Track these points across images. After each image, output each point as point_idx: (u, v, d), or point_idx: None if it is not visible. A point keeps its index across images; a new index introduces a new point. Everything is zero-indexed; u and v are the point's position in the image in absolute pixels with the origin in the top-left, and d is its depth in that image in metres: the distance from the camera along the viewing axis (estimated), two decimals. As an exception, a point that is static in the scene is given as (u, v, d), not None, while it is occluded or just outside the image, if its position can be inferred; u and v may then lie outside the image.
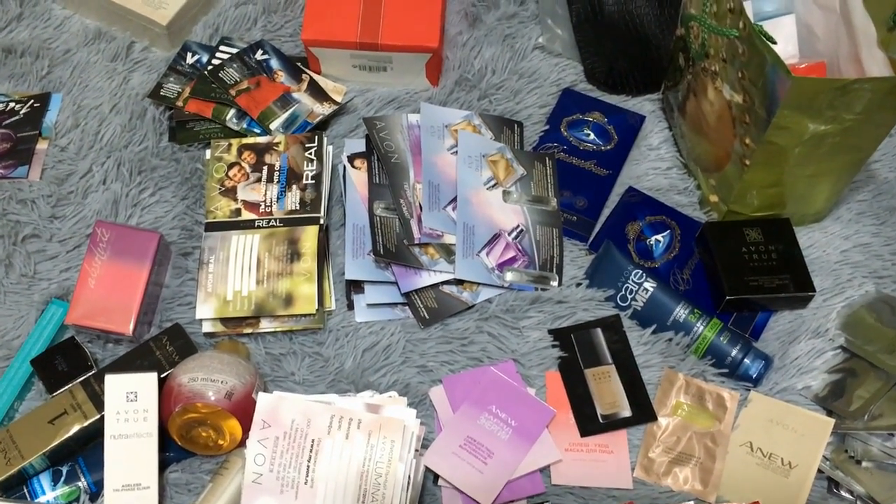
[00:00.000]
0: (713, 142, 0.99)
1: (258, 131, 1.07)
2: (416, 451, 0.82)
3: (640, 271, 0.97)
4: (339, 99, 1.12)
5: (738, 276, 0.96)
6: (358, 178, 1.02)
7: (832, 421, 0.90)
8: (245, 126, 1.08)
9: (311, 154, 1.01)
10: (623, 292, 0.97)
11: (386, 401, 0.79)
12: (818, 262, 1.01)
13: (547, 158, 1.07)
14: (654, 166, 1.08)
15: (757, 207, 0.99)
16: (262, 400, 0.77)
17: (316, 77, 1.13)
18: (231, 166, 1.02)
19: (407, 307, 0.97)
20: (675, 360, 0.95)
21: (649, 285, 0.96)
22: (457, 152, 1.03)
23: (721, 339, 0.94)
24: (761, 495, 0.84)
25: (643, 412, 0.92)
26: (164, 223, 1.03)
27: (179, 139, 1.09)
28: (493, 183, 1.03)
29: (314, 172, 1.00)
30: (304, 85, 1.12)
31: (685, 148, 1.08)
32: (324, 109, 1.10)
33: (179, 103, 1.09)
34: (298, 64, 1.14)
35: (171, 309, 0.98)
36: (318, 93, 1.12)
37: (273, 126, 1.07)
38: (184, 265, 1.00)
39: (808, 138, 0.88)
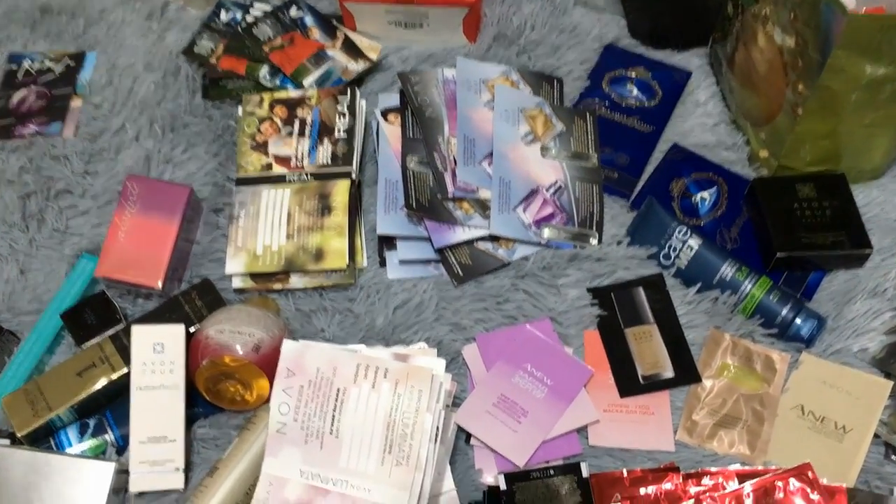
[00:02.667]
0: (763, 92, 0.94)
1: (291, 88, 1.05)
2: (447, 406, 0.79)
3: (685, 228, 0.93)
4: (374, 57, 1.09)
5: (790, 232, 0.91)
6: (391, 133, 0.99)
7: (890, 383, 0.84)
8: (278, 83, 1.06)
9: (343, 108, 0.99)
10: (666, 250, 0.93)
11: (415, 352, 0.76)
12: (876, 220, 0.95)
13: (588, 114, 1.03)
14: (701, 122, 1.04)
15: (810, 162, 0.94)
16: (287, 347, 0.75)
17: (351, 34, 1.11)
18: (263, 121, 1.00)
19: (440, 264, 0.94)
20: (721, 320, 0.90)
21: (694, 242, 0.92)
22: (493, 107, 1.00)
23: (770, 297, 0.89)
24: (813, 459, 0.79)
25: (686, 373, 0.87)
26: (196, 179, 1.01)
27: (212, 96, 1.07)
28: (531, 138, 0.99)
29: (347, 126, 0.98)
30: (339, 42, 1.10)
31: (733, 102, 1.03)
32: (358, 66, 1.07)
33: (213, 60, 1.07)
34: (333, 21, 1.12)
35: (202, 265, 0.96)
36: (352, 50, 1.09)
37: (306, 83, 1.05)
38: (215, 221, 0.99)
39: (865, 83, 0.83)
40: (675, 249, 0.92)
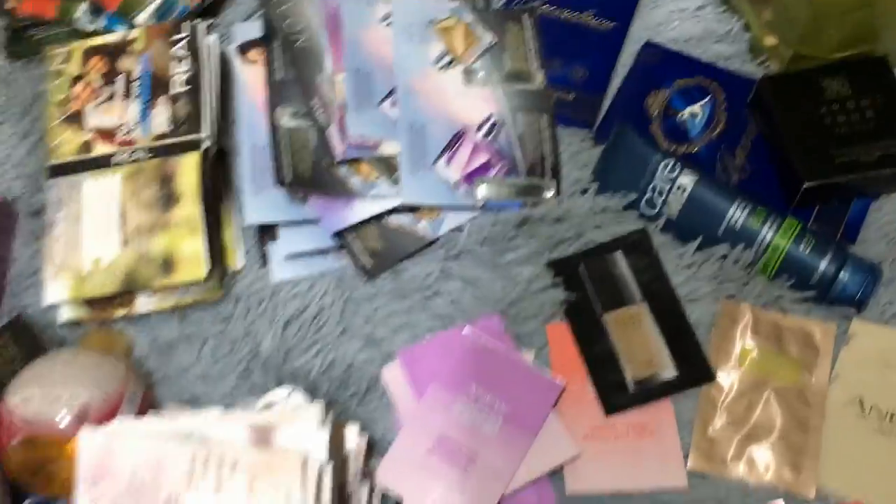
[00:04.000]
0: (764, -46, 0.66)
1: (119, 31, 0.77)
2: (361, 472, 0.55)
3: (672, 161, 0.66)
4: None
5: (820, 150, 0.64)
6: (253, 77, 0.71)
7: (984, 355, 0.60)
8: (103, 26, 0.77)
9: (181, 50, 0.71)
10: (650, 195, 0.67)
11: (282, 417, 0.51)
12: (934, 115, 0.69)
13: (525, 15, 0.75)
14: (679, 7, 0.76)
15: (837, 45, 0.67)
16: (86, 443, 0.50)
17: (198, -55, 0.82)
18: (75, 81, 0.72)
19: (342, 252, 0.68)
20: (736, 287, 0.65)
21: (686, 180, 0.66)
22: (392, 22, 0.72)
23: (801, 247, 0.63)
24: (890, 480, 0.56)
25: (694, 369, 0.62)
26: (2, 172, 0.74)
27: (16, 53, 0.79)
28: (447, 60, 0.71)
29: (188, 75, 0.70)
30: (183, -43, 0.81)
31: (722, -26, 0.75)
32: (211, -12, 0.79)
33: (11, 3, 0.79)
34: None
35: (23, 293, 0.70)
36: (202, -34, 0.80)
37: (140, 20, 0.76)
38: (34, 228, 0.72)
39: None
40: (661, 193, 0.66)
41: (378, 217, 0.68)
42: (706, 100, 0.71)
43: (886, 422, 0.59)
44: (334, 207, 0.67)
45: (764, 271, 0.64)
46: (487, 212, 0.68)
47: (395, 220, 0.68)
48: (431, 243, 0.68)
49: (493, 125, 0.70)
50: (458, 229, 0.68)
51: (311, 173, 0.67)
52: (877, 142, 0.64)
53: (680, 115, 0.71)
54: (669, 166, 0.66)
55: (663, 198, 0.66)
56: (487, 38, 0.73)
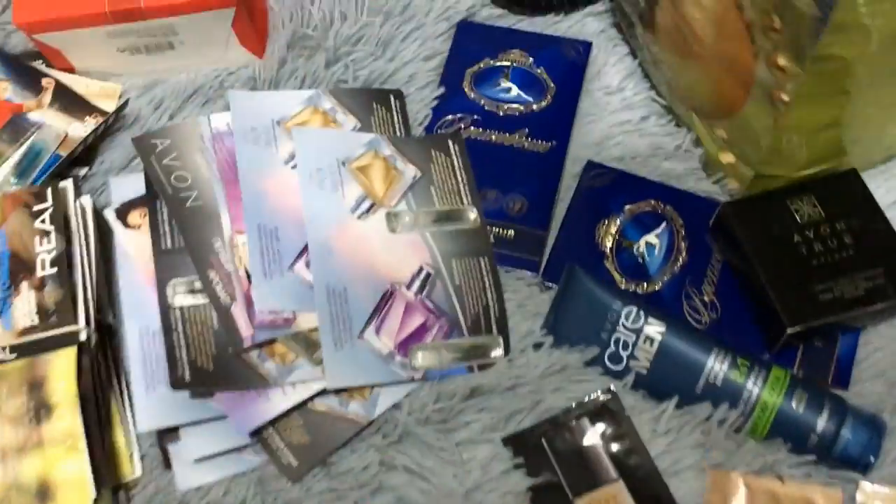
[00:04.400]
0: (714, 70, 0.59)
1: (-27, 191, 0.64)
2: None
3: (635, 308, 0.58)
4: (109, 107, 0.69)
5: (799, 287, 0.57)
6: (136, 246, 0.60)
7: None
8: (-47, 186, 0.65)
9: (44, 222, 0.59)
10: (613, 348, 0.58)
11: None
12: (912, 228, 0.62)
13: (450, 142, 0.66)
14: (621, 120, 0.68)
15: (804, 163, 0.60)
16: None
17: (66, 78, 0.70)
18: (-85, 269, 0.60)
19: (261, 447, 0.57)
20: (722, 453, 0.56)
21: (654, 330, 0.57)
22: (297, 166, 0.62)
23: (794, 403, 0.55)
24: None
25: (688, 559, 0.53)
26: None
27: None
28: (367, 205, 0.62)
29: (54, 254, 0.58)
30: (48, 95, 0.69)
31: (663, 82, 0.67)
32: (85, 129, 0.68)
33: None
34: (34, 64, 0.71)
35: None
36: (73, 103, 0.69)
37: (-1, 177, 0.65)
38: None
39: (892, 36, 0.48)
40: (626, 346, 0.57)
41: (301, 404, 0.57)
42: (662, 227, 0.63)
43: None
44: (246, 401, 0.56)
45: (753, 433, 0.56)
46: (428, 383, 0.58)
47: (321, 405, 0.57)
48: (366, 427, 0.58)
49: (426, 278, 0.60)
50: (397, 407, 0.58)
51: (213, 366, 0.55)
52: (860, 272, 0.57)
53: (635, 246, 0.63)
54: (633, 314, 0.57)
55: (629, 351, 0.57)
56: (410, 172, 0.64)
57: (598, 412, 0.57)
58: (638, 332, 0.57)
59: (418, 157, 0.64)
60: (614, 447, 0.56)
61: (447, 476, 0.56)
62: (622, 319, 0.58)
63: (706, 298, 0.61)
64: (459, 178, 0.64)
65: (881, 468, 0.55)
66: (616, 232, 0.63)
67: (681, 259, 0.62)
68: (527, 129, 0.67)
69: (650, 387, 0.57)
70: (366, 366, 0.57)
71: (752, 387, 0.55)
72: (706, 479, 0.55)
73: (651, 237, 0.63)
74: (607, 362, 0.58)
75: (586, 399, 0.58)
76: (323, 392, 0.57)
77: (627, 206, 0.64)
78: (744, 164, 0.61)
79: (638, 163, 0.66)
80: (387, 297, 0.59)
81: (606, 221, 0.63)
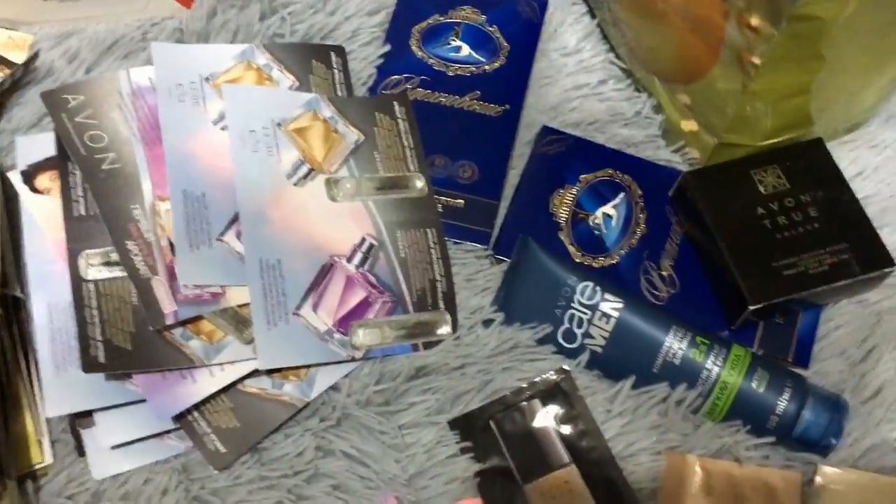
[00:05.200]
0: (679, 30, 0.55)
1: None
2: None
3: (591, 284, 0.54)
4: (18, 58, 0.63)
5: (762, 262, 0.54)
6: (45, 213, 0.54)
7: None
8: None
9: (-59, 184, 0.53)
10: (567, 325, 0.54)
11: None
12: (877, 199, 0.60)
13: (396, 104, 0.61)
14: (578, 83, 0.64)
15: (769, 132, 0.57)
16: None
17: (-30, 26, 0.64)
18: None
19: (185, 433, 0.52)
20: (679, 435, 0.53)
21: (610, 307, 0.54)
22: (227, 127, 0.57)
23: (754, 382, 0.52)
24: None
25: (642, 548, 0.50)
26: None
27: None
28: (305, 171, 0.57)
29: (-47, 219, 0.52)
30: (-51, 45, 0.63)
31: (623, 43, 0.63)
32: (-9, 83, 0.61)
33: None
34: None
35: None
36: (-22, 54, 0.62)
37: None
38: None
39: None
40: (581, 323, 0.54)
41: (230, 386, 0.52)
42: (620, 197, 0.60)
43: None
44: (168, 384, 0.51)
45: (711, 415, 0.53)
46: (369, 363, 0.54)
47: (252, 386, 0.53)
48: (302, 410, 0.53)
49: (369, 250, 0.56)
50: (335, 388, 0.54)
51: (131, 345, 0.50)
52: (825, 246, 0.54)
53: (592, 218, 0.59)
54: (588, 290, 0.54)
55: (584, 329, 0.54)
56: (352, 136, 0.59)
57: (550, 393, 0.54)
58: (594, 308, 0.54)
59: (361, 120, 0.60)
60: (567, 430, 0.53)
61: (388, 461, 0.52)
62: (577, 295, 0.54)
63: (664, 273, 0.58)
64: (405, 144, 0.60)
65: (840, 450, 0.53)
66: (571, 202, 0.59)
67: (639, 231, 0.59)
68: (478, 92, 0.62)
69: (605, 366, 0.54)
70: (301, 345, 0.53)
71: (712, 366, 0.52)
72: (661, 462, 0.53)
73: (608, 208, 0.59)
74: (561, 340, 0.55)
75: (538, 379, 0.54)
76: (254, 373, 0.52)
77: (584, 175, 0.60)
78: (707, 132, 0.58)
79: (595, 129, 0.63)
80: (325, 271, 0.55)
81: (561, 191, 0.60)
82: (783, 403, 0.52)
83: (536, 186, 0.60)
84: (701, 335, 0.53)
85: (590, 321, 0.54)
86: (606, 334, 0.54)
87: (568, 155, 0.61)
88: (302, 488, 0.52)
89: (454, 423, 0.53)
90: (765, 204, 0.55)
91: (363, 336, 0.54)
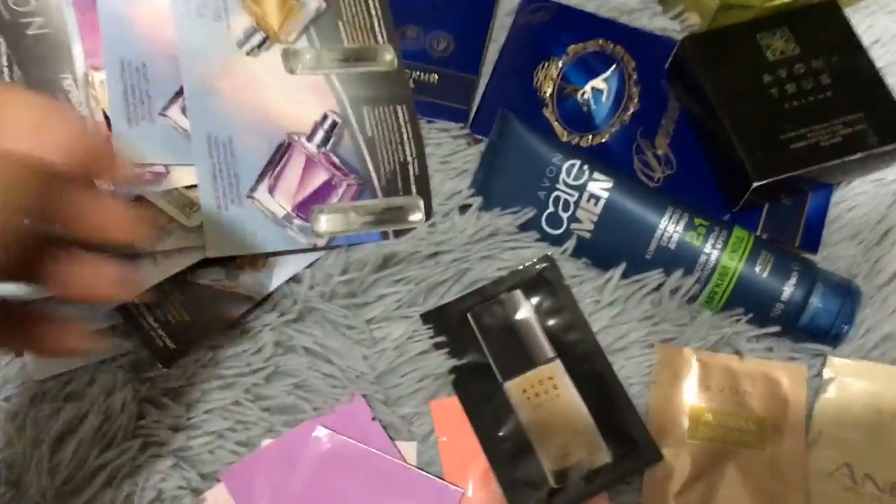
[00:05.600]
0: None
1: None
2: None
3: (578, 162, 0.49)
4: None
5: (768, 134, 0.48)
6: (-34, 85, 0.49)
7: None
8: None
9: None
10: (552, 209, 0.49)
11: None
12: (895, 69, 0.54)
13: (361, -32, 0.54)
14: (565, -54, 0.58)
15: (778, -11, 0.51)
16: None
17: None
18: None
19: (128, 332, 0.48)
20: (675, 328, 0.49)
21: (599, 187, 0.48)
22: (171, -11, 0.50)
23: (757, 268, 0.47)
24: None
25: (633, 448, 0.46)
26: None
27: None
28: (258, 39, 0.51)
29: None
30: None
31: None
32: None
33: None
34: None
35: None
36: None
37: None
38: None
39: None
40: (567, 206, 0.49)
41: (178, 275, 0.47)
42: (611, 70, 0.54)
43: (888, 494, 0.45)
44: (108, 272, 0.46)
45: (710, 304, 0.48)
46: (334, 252, 0.49)
47: (205, 277, 0.48)
48: (260, 304, 0.48)
49: (332, 127, 0.50)
50: (296, 279, 0.49)
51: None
52: (838, 117, 0.49)
53: (580, 92, 0.53)
54: (575, 169, 0.49)
55: (570, 212, 0.49)
56: (313, 3, 0.53)
57: (532, 283, 0.49)
58: (581, 189, 0.48)
59: None
60: (551, 322, 0.48)
61: (355, 358, 0.48)
62: (563, 175, 0.49)
63: (660, 152, 0.52)
64: (373, 12, 0.53)
65: (851, 340, 0.48)
66: (557, 76, 0.53)
67: (632, 107, 0.53)
68: (454, -45, 0.56)
69: (594, 253, 0.49)
70: (256, 231, 0.48)
71: (711, 250, 0.47)
72: (654, 355, 0.48)
73: (598, 82, 0.53)
74: (545, 225, 0.49)
75: (520, 268, 0.49)
76: (206, 262, 0.47)
77: (571, 46, 0.54)
78: (708, -8, 0.52)
79: (584, -4, 0.56)
80: (283, 150, 0.49)
81: (546, 64, 0.54)
82: (789, 290, 0.47)
83: (519, 59, 0.54)
84: (699, 216, 0.48)
85: (577, 203, 0.49)
86: (595, 217, 0.48)
87: (554, 24, 0.54)
88: (261, 387, 0.47)
89: (427, 317, 0.49)
90: (772, 71, 0.50)
91: (326, 222, 0.49)
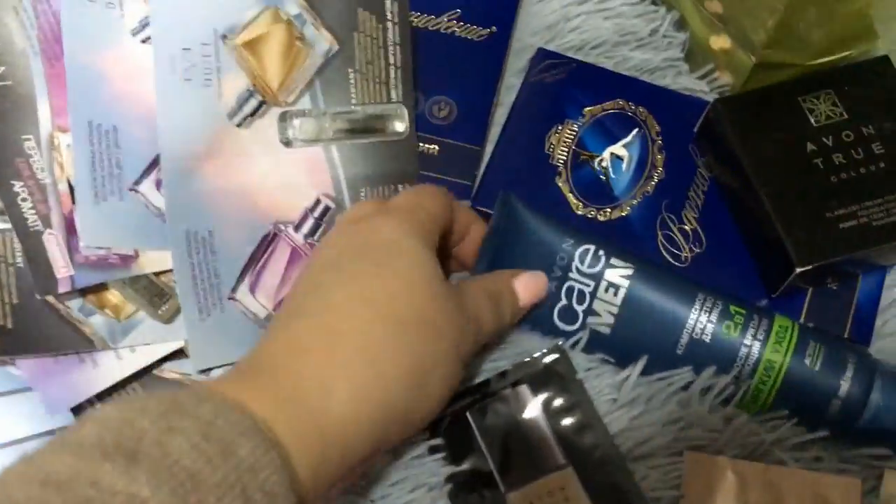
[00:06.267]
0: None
1: None
2: None
3: (591, 248, 0.43)
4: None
5: (813, 212, 0.42)
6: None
7: None
8: None
9: None
10: (565, 301, 0.43)
11: None
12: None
13: (391, 5, 0.49)
14: (581, -4, 0.53)
15: (822, 48, 0.45)
16: None
17: None
18: None
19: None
20: (705, 431, 0.42)
21: (619, 275, 0.42)
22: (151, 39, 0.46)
23: (807, 359, 0.41)
24: None
25: (658, 575, 0.40)
26: None
27: None
28: (253, 107, 0.46)
29: None
30: None
31: (638, -53, 0.51)
32: None
33: None
34: None
35: None
36: None
37: None
38: None
39: None
40: (582, 298, 0.43)
41: (147, 369, 0.42)
42: (633, 135, 0.48)
43: None
44: (62, 368, 0.41)
45: (754, 403, 0.42)
46: (320, 341, 0.44)
47: (172, 371, 0.43)
48: (235, 400, 0.43)
49: (323, 214, 0.45)
50: (277, 373, 0.44)
51: (13, 321, 0.40)
52: (893, 192, 0.43)
53: (598, 160, 0.48)
54: (590, 256, 0.43)
55: (586, 304, 0.43)
56: (323, 45, 0.47)
57: (541, 377, 0.43)
58: (597, 278, 0.43)
59: (339, 21, 0.47)
60: (562, 423, 0.42)
61: (342, 464, 0.42)
62: (576, 262, 0.43)
63: (687, 227, 0.46)
64: (392, 59, 0.48)
65: (915, 449, 0.41)
66: (572, 141, 0.48)
67: (656, 176, 0.47)
68: (458, 11, 0.51)
69: (616, 350, 0.43)
70: (238, 336, 0.43)
71: (752, 342, 0.41)
72: (683, 465, 0.42)
73: (618, 148, 0.48)
74: (557, 321, 0.44)
75: (527, 359, 0.43)
76: (175, 354, 0.42)
77: (588, 108, 0.49)
78: (742, 49, 0.46)
79: (601, 53, 0.51)
80: (267, 242, 0.44)
81: (560, 127, 0.48)
82: (846, 384, 0.41)
83: (529, 122, 0.49)
84: (735, 304, 0.42)
85: (593, 294, 0.43)
86: (615, 310, 0.43)
87: (569, 83, 0.49)
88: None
89: (424, 416, 0.43)
90: (816, 138, 0.44)
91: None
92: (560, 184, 0.47)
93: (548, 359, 0.43)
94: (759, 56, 0.45)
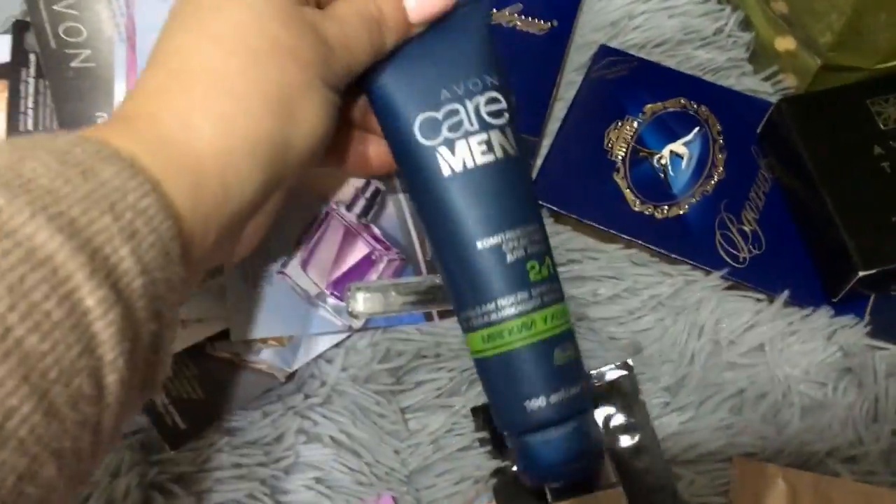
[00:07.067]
0: None
1: None
2: None
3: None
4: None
5: (878, 216, 0.41)
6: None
7: None
8: None
9: None
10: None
11: None
12: None
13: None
14: (645, -6, 0.52)
15: (888, 51, 0.44)
16: None
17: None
18: None
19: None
20: (755, 438, 0.41)
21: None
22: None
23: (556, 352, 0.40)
24: None
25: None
26: None
27: None
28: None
29: None
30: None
31: (705, -56, 0.51)
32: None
33: None
34: None
35: None
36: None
37: None
38: None
39: None
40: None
41: (193, 348, 0.43)
42: (693, 133, 0.47)
43: None
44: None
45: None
46: (369, 331, 0.44)
47: (223, 350, 0.43)
48: (284, 383, 0.44)
49: (374, 196, 0.45)
50: (325, 359, 0.44)
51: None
52: (963, 197, 0.41)
53: (657, 157, 0.47)
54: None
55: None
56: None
57: (602, 392, 0.42)
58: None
59: None
60: (620, 441, 0.42)
61: (386, 451, 0.42)
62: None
63: (747, 228, 0.45)
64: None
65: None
66: (632, 138, 0.47)
67: (716, 175, 0.46)
68: (520, 5, 0.51)
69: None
70: (285, 311, 0.43)
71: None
72: (731, 472, 0.41)
73: (678, 146, 0.47)
74: (608, 310, 0.43)
75: (593, 373, 0.43)
76: (224, 334, 0.43)
77: (648, 105, 0.48)
78: (808, 51, 0.45)
79: (664, 52, 0.50)
80: (319, 221, 0.44)
81: (620, 123, 0.48)
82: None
83: (589, 118, 0.48)
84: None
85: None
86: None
87: (630, 80, 0.49)
88: (280, 479, 0.42)
89: (474, 411, 0.43)
90: (884, 141, 0.43)
91: (363, 302, 0.44)
92: (618, 179, 0.47)
93: (613, 374, 0.43)
94: (825, 59, 0.44)
